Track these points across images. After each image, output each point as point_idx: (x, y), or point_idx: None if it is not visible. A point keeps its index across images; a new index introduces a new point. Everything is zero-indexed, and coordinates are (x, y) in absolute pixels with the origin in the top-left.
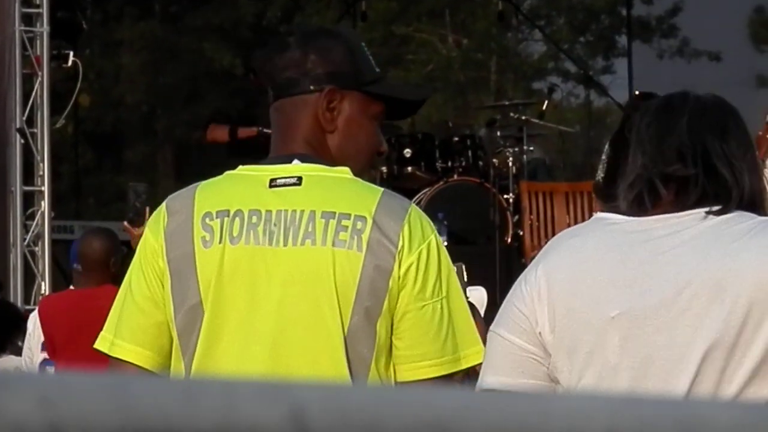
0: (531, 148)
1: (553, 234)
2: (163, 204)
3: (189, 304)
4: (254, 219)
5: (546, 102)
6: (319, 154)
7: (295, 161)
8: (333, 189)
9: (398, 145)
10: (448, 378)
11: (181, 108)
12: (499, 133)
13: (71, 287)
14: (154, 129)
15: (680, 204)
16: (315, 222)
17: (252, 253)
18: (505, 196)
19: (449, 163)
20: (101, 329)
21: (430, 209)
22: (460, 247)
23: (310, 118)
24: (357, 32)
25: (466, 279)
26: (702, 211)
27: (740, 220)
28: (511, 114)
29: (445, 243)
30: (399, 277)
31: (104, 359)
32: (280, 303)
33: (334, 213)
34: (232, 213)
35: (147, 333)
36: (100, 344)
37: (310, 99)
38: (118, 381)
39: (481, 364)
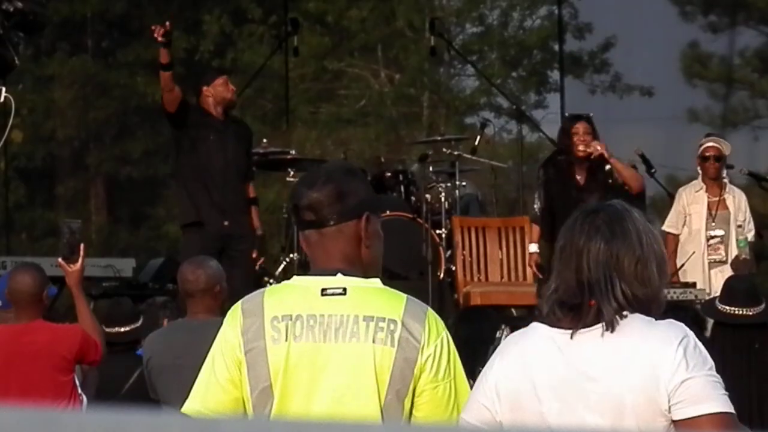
0: (463, 184)
1: (486, 269)
2: (239, 306)
3: (261, 386)
4: (311, 322)
5: (478, 137)
6: (354, 267)
7: (339, 275)
8: (370, 298)
9: None
10: None
11: (112, 143)
12: (431, 169)
13: None
14: (86, 164)
15: (588, 321)
16: (358, 324)
17: (311, 348)
18: (438, 232)
19: None
20: (36, 363)
21: None
22: (392, 283)
23: (349, 239)
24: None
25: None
26: (599, 327)
27: (632, 334)
28: (444, 149)
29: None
30: (421, 365)
31: (36, 394)
32: (333, 387)
33: (373, 317)
34: (294, 317)
35: (227, 407)
36: (187, 410)
37: (349, 225)
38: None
39: None
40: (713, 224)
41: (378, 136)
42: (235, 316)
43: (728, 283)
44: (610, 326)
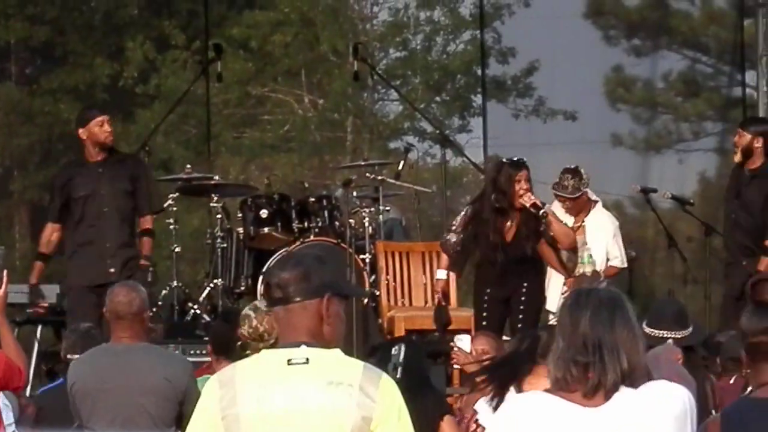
0: (387, 208)
1: (410, 293)
2: (216, 380)
3: None
4: (279, 389)
5: (402, 162)
6: (317, 340)
7: (303, 346)
8: (330, 365)
9: (254, 206)
10: None
11: (36, 169)
12: (355, 194)
13: None
14: (10, 191)
15: (587, 383)
16: (321, 389)
17: (281, 412)
18: (362, 257)
19: (306, 224)
20: None
21: None
22: None
23: (312, 316)
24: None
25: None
26: (608, 405)
27: (627, 410)
28: (367, 174)
29: None
30: (376, 421)
31: None
32: None
33: (333, 382)
34: (265, 385)
35: None
36: None
37: (312, 303)
38: None
39: None
40: (566, 252)
41: (302, 161)
42: (213, 389)
43: (656, 307)
44: (609, 397)
